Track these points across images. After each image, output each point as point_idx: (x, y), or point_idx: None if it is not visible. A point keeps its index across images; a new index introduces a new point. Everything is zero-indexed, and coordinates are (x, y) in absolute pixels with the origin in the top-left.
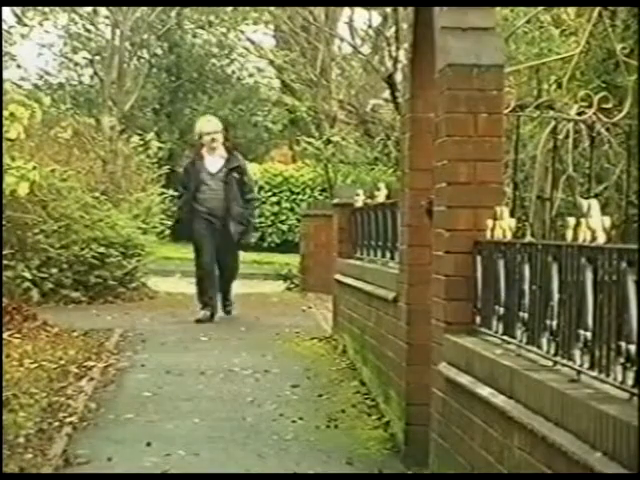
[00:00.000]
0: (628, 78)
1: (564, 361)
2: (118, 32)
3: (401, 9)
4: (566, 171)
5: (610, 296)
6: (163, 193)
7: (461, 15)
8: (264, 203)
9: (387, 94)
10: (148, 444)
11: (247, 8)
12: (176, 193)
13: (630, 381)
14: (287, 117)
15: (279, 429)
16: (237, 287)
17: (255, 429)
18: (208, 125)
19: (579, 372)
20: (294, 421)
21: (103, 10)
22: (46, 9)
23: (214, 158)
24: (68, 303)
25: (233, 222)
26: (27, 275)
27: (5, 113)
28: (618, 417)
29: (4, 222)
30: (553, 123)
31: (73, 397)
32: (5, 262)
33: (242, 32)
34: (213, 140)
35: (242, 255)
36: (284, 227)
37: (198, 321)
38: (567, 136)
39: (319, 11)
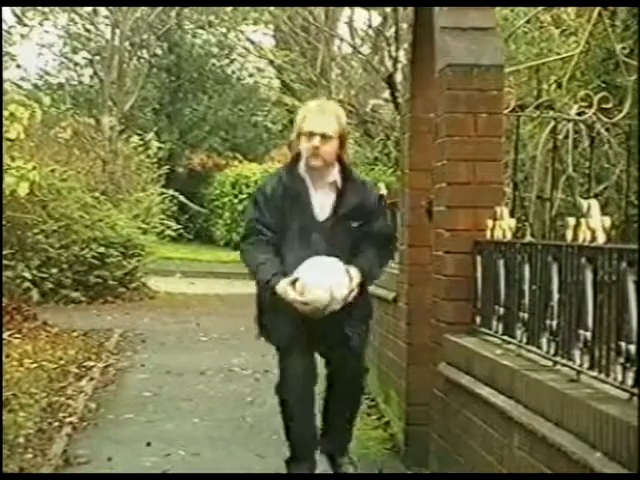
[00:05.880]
0: (628, 78)
1: (564, 361)
2: (118, 32)
3: (401, 9)
4: (566, 171)
5: (610, 296)
6: (163, 193)
7: (461, 15)
8: None
9: (387, 94)
10: (148, 444)
11: (247, 8)
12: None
13: (630, 381)
14: (287, 117)
15: (279, 429)
16: (236, 287)
17: (255, 429)
18: (318, 118)
19: (579, 372)
20: None
21: (103, 10)
22: (46, 9)
23: (322, 187)
24: (68, 303)
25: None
26: (27, 275)
27: (5, 113)
28: (618, 417)
29: (4, 222)
30: (553, 123)
31: (73, 397)
32: (5, 262)
33: (242, 32)
34: (317, 149)
35: (236, 255)
36: None
37: None
38: (567, 136)
39: (319, 11)
